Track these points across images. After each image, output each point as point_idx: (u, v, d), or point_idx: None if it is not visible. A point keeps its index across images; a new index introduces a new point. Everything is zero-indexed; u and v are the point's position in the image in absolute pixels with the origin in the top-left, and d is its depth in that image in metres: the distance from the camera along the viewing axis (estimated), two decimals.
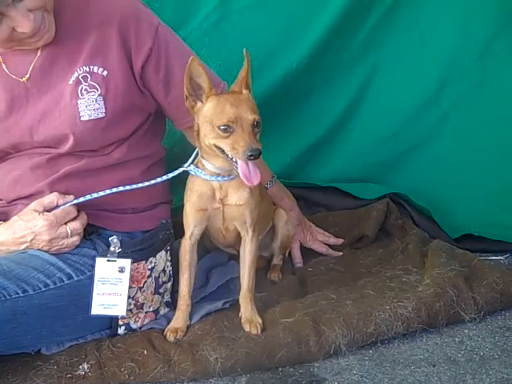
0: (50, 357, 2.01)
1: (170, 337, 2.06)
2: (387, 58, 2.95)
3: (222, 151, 1.93)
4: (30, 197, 2.08)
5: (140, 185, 2.10)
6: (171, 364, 1.94)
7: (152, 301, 2.14)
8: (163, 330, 2.10)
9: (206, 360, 1.94)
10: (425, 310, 2.10)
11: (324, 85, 2.96)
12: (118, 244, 2.03)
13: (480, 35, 2.84)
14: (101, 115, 2.05)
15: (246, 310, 2.12)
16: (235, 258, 2.30)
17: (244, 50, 1.96)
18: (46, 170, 2.09)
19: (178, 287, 2.14)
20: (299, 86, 2.92)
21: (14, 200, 2.14)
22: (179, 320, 2.11)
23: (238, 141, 1.88)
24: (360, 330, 2.03)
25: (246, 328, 2.07)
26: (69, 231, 2.01)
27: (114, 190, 2.07)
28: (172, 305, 2.21)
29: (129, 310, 2.07)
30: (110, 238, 2.04)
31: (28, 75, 2.05)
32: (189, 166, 2.08)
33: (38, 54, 2.05)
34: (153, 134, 2.25)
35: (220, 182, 2.06)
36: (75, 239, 2.04)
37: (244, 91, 1.99)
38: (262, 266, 2.46)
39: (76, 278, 2.01)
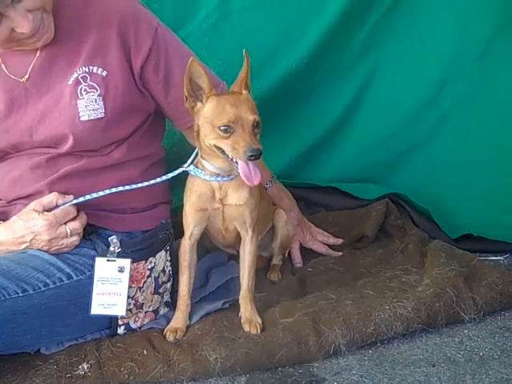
0: (50, 356, 2.01)
1: (170, 337, 2.06)
2: (387, 58, 2.95)
3: (223, 152, 1.93)
4: (30, 197, 2.08)
5: (140, 185, 2.10)
6: (171, 364, 1.94)
7: (152, 301, 2.15)
8: (163, 330, 2.10)
9: (206, 360, 1.94)
10: (424, 310, 2.10)
11: (324, 85, 2.96)
12: (118, 244, 2.03)
13: (480, 35, 2.84)
14: (100, 115, 2.05)
15: (246, 310, 2.12)
16: (235, 258, 2.30)
17: (244, 50, 1.96)
18: (46, 170, 2.09)
19: (178, 287, 2.14)
20: (299, 86, 2.92)
21: (13, 200, 2.14)
22: (179, 320, 2.11)
23: (239, 141, 1.89)
24: (360, 330, 2.03)
25: (246, 328, 2.07)
26: (68, 231, 2.01)
27: (114, 190, 2.07)
28: (172, 305, 2.21)
29: (128, 310, 2.07)
30: (109, 238, 2.04)
31: (27, 75, 2.06)
32: (188, 166, 2.08)
33: (38, 54, 2.05)
34: (152, 134, 2.25)
35: (220, 183, 2.06)
36: (75, 239, 2.04)
37: (244, 92, 1.99)
38: (262, 266, 2.46)
39: (75, 278, 2.01)
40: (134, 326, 2.12)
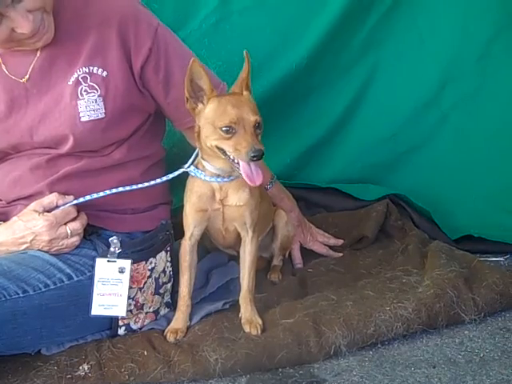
0: (50, 357, 2.01)
1: (170, 337, 2.06)
2: (387, 58, 2.95)
3: (224, 152, 1.93)
4: (30, 197, 2.08)
5: (140, 185, 2.10)
6: (171, 365, 1.94)
7: (152, 301, 2.14)
8: (163, 331, 2.10)
9: (206, 361, 1.94)
10: (425, 311, 2.10)
11: (323, 85, 2.96)
12: (118, 244, 2.03)
13: (480, 36, 2.84)
14: (100, 116, 2.05)
15: (246, 310, 2.12)
16: (235, 258, 2.30)
17: (244, 51, 1.97)
18: (46, 171, 2.09)
19: (178, 288, 2.14)
20: (299, 86, 2.92)
21: (13, 200, 2.13)
22: (179, 321, 2.11)
23: (241, 142, 1.89)
24: (360, 331, 2.03)
25: (246, 329, 2.07)
26: (69, 232, 2.01)
27: (114, 190, 2.07)
28: (172, 305, 2.21)
29: (129, 311, 2.07)
30: (109, 239, 2.04)
31: (27, 76, 2.05)
32: (189, 166, 2.08)
33: (38, 54, 2.05)
34: (152, 134, 2.25)
35: (220, 183, 2.06)
36: (75, 240, 2.04)
37: (245, 92, 1.99)
38: (262, 267, 2.46)
39: (76, 279, 2.01)
40: (134, 326, 2.12)
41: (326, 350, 2.00)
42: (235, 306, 2.17)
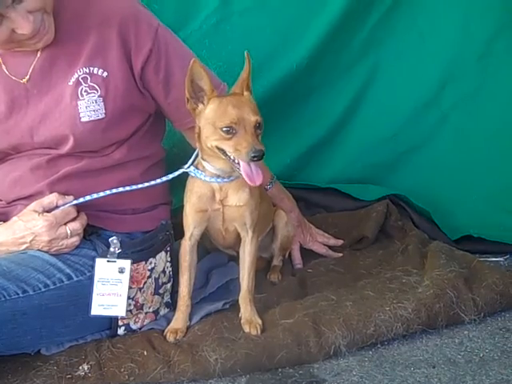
0: (50, 357, 2.01)
1: (170, 337, 2.06)
2: (387, 58, 2.95)
3: (224, 153, 1.93)
4: (30, 197, 2.08)
5: (140, 185, 2.10)
6: (171, 365, 1.94)
7: (152, 301, 2.15)
8: (163, 331, 2.10)
9: (206, 361, 1.94)
10: (424, 311, 2.10)
11: (324, 85, 2.96)
12: (118, 245, 2.03)
13: (481, 35, 2.84)
14: (101, 116, 2.05)
15: (246, 310, 2.12)
16: (235, 259, 2.30)
17: (245, 52, 1.97)
18: (46, 171, 2.09)
19: (178, 288, 2.14)
20: (299, 86, 2.92)
21: (13, 201, 2.14)
22: (179, 321, 2.11)
23: (241, 142, 1.89)
24: (360, 331, 2.03)
25: (246, 329, 2.07)
26: (68, 232, 2.01)
27: (114, 190, 2.07)
28: (172, 305, 2.21)
29: (128, 311, 2.07)
30: (109, 239, 2.04)
31: (28, 76, 2.05)
32: (189, 167, 2.08)
33: (38, 55, 2.05)
34: (153, 134, 2.25)
35: (220, 184, 2.06)
36: (75, 240, 2.04)
37: (245, 93, 1.99)
38: (262, 267, 2.46)
39: (76, 279, 2.01)
40: (134, 326, 2.12)
41: (326, 350, 2.00)
42: (235, 306, 2.17)
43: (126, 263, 2.03)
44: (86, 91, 2.04)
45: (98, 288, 2.02)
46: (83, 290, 2.01)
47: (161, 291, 2.17)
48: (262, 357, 1.97)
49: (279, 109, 2.89)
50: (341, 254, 2.62)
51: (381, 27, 2.91)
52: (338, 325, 2.03)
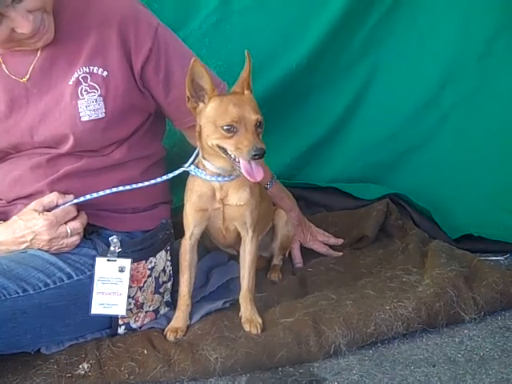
0: (50, 356, 2.01)
1: (170, 336, 2.06)
2: (387, 58, 2.95)
3: (225, 151, 1.94)
4: (30, 197, 2.09)
5: (140, 185, 2.10)
6: (171, 363, 1.94)
7: (152, 300, 2.15)
8: (163, 330, 2.10)
9: (206, 360, 1.94)
10: (425, 310, 2.10)
11: (324, 85, 2.96)
12: (118, 244, 2.03)
13: (481, 35, 2.84)
14: (101, 115, 2.05)
15: (246, 309, 2.12)
16: (235, 258, 2.30)
17: (246, 51, 1.97)
18: (46, 170, 2.09)
19: (178, 287, 2.14)
20: (299, 86, 2.92)
21: (13, 200, 2.14)
22: (179, 320, 2.11)
23: (242, 141, 1.89)
24: (360, 330, 2.03)
25: (246, 328, 2.08)
26: (69, 231, 2.02)
27: (114, 189, 2.07)
28: (172, 304, 2.21)
29: (129, 310, 2.07)
30: (110, 238, 2.04)
31: (28, 76, 2.06)
32: (189, 166, 2.08)
33: (38, 54, 2.05)
34: (153, 134, 2.25)
35: (220, 183, 2.06)
36: (75, 239, 2.04)
37: (246, 92, 2.00)
38: (262, 267, 2.46)
39: (76, 278, 2.01)
40: (134, 325, 2.12)
41: (326, 349, 2.00)
42: (235, 305, 2.17)
43: (127, 262, 2.03)
44: (85, 91, 2.04)
45: (98, 287, 2.02)
46: (83, 289, 2.01)
47: (161, 290, 2.17)
48: (263, 356, 1.97)
49: (279, 108, 2.88)
50: (341, 253, 2.63)
51: (381, 27, 2.91)
52: (338, 324, 2.03)
